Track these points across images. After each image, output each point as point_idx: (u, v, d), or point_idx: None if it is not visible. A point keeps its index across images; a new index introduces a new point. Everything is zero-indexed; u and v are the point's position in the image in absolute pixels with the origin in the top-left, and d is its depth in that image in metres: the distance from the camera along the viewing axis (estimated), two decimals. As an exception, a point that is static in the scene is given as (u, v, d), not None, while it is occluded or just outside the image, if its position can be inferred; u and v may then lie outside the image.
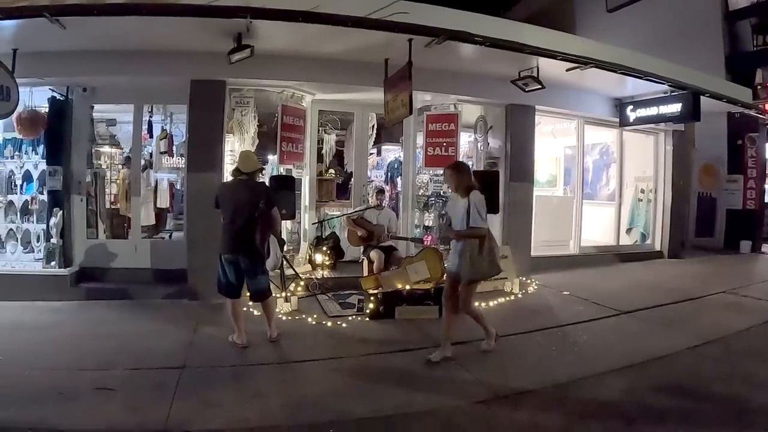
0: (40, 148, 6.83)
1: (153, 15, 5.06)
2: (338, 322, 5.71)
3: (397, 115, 6.45)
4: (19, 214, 6.90)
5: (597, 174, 11.49)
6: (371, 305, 5.86)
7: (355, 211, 7.67)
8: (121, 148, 8.45)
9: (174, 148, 8.39)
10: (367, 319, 5.83)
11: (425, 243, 7.51)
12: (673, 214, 10.43)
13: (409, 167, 8.37)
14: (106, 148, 8.40)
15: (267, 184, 6.30)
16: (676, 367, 4.47)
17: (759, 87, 10.98)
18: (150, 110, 8.01)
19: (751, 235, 11.40)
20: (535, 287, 7.52)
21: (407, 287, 6.16)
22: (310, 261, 7.90)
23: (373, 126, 9.26)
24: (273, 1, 5.16)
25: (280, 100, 7.47)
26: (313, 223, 8.29)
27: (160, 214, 8.75)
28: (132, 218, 7.41)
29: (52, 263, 6.56)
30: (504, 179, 8.17)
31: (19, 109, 6.14)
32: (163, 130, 8.34)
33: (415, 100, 6.82)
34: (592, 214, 10.18)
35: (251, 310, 5.68)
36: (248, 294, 5.04)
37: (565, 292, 7.18)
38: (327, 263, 7.81)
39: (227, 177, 6.32)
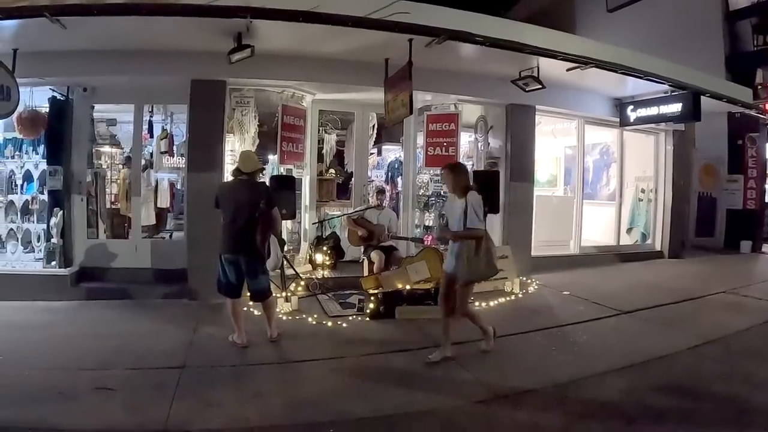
0: (41, 148, 6.82)
1: (153, 15, 5.06)
2: (339, 322, 5.71)
3: (398, 115, 6.45)
4: (19, 213, 6.89)
5: (597, 174, 11.49)
6: (371, 305, 5.86)
7: (356, 211, 7.67)
8: (122, 148, 8.45)
9: (174, 148, 8.39)
10: (368, 319, 5.83)
11: (425, 243, 7.51)
12: (674, 214, 10.42)
13: (409, 167, 8.38)
14: (107, 148, 8.39)
15: (267, 184, 6.30)
16: (676, 367, 4.47)
17: (759, 87, 10.98)
18: (150, 110, 8.00)
19: (752, 235, 11.40)
20: (536, 287, 7.52)
21: (407, 287, 6.17)
22: (311, 261, 7.90)
23: (373, 126, 9.26)
24: (273, 1, 5.16)
25: (281, 99, 7.47)
26: (313, 223, 8.30)
27: (161, 214, 8.75)
28: (132, 218, 7.41)
29: (53, 263, 6.57)
30: (504, 179, 8.18)
31: (20, 108, 6.15)
32: (163, 129, 8.34)
33: (416, 100, 6.82)
34: (593, 214, 10.18)
35: (251, 309, 5.69)
36: (248, 294, 5.04)
37: (565, 292, 7.18)
38: (327, 263, 7.81)
39: (227, 177, 6.33)
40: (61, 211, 6.56)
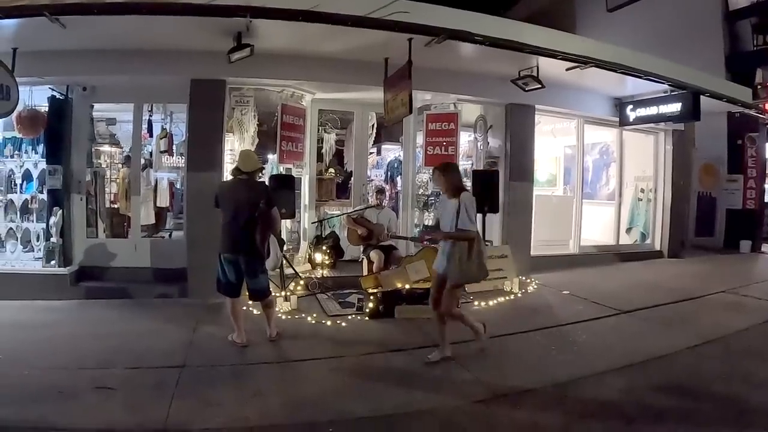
0: (40, 147, 6.83)
1: (153, 14, 5.06)
2: (338, 322, 5.71)
3: (397, 114, 6.45)
4: (18, 213, 6.90)
5: (597, 173, 11.50)
6: (371, 304, 5.86)
7: (355, 210, 7.68)
8: (121, 147, 8.45)
9: (174, 147, 8.38)
10: (367, 318, 5.83)
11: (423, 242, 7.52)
12: (673, 214, 10.43)
13: (408, 166, 8.38)
14: (106, 147, 8.40)
15: (267, 183, 6.30)
16: (675, 366, 4.48)
17: (759, 87, 10.98)
18: (150, 109, 8.01)
19: (751, 235, 11.40)
20: (535, 287, 7.52)
21: (407, 286, 6.18)
22: (310, 260, 7.90)
23: (372, 125, 9.26)
24: (273, 1, 5.17)
25: (280, 99, 7.47)
26: (312, 223, 8.30)
27: (160, 213, 8.76)
28: (132, 217, 7.40)
29: (52, 262, 6.57)
30: (504, 179, 8.19)
31: (19, 108, 6.14)
32: (163, 129, 8.34)
33: (415, 99, 6.82)
34: (592, 214, 10.19)
35: (251, 309, 5.69)
36: (248, 293, 5.04)
37: (564, 292, 7.18)
38: (327, 262, 7.81)
39: (227, 176, 6.33)
40: (61, 211, 6.56)
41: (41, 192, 6.82)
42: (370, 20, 5.43)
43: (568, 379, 4.14)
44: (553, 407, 3.66)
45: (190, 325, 5.44)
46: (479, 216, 7.78)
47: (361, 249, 7.44)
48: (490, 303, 6.53)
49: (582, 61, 7.01)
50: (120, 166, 8.28)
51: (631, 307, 6.29)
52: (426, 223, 8.57)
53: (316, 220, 8.35)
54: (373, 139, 9.64)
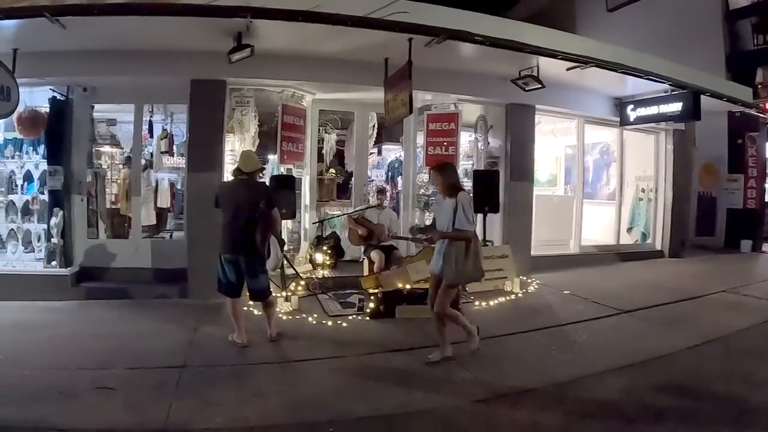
0: (41, 148, 6.83)
1: (153, 15, 5.06)
2: (339, 322, 5.71)
3: (398, 114, 6.45)
4: (19, 214, 6.90)
5: (597, 173, 11.49)
6: (372, 304, 5.86)
7: (356, 211, 7.68)
8: (122, 148, 8.47)
9: (174, 148, 8.39)
10: (368, 318, 5.83)
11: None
12: (674, 214, 10.42)
13: (409, 167, 8.38)
14: (107, 148, 8.41)
15: (267, 183, 6.30)
16: (676, 366, 4.47)
17: (759, 86, 10.99)
18: (150, 110, 8.00)
19: (752, 235, 11.39)
20: (536, 286, 7.52)
21: (408, 286, 6.18)
22: (311, 260, 7.90)
23: (373, 125, 9.26)
24: (273, 1, 5.16)
25: (281, 99, 7.47)
26: (313, 223, 8.30)
27: (161, 213, 8.75)
28: (132, 218, 7.41)
29: (53, 263, 6.57)
30: (504, 179, 8.20)
31: (20, 108, 6.17)
32: (163, 129, 8.34)
33: (416, 99, 6.82)
34: (593, 214, 10.18)
35: (251, 309, 5.69)
36: (248, 293, 5.04)
37: (565, 292, 7.18)
38: (327, 263, 7.82)
39: (228, 177, 6.34)
40: (62, 211, 6.56)
41: (42, 193, 6.82)
42: (370, 20, 5.43)
43: (568, 378, 4.14)
44: (553, 407, 3.66)
45: (191, 325, 5.44)
46: (479, 216, 7.81)
47: (362, 249, 7.44)
48: (491, 303, 6.53)
49: (582, 61, 7.01)
50: (120, 166, 8.30)
51: (631, 306, 6.29)
52: (427, 224, 8.56)
53: (317, 220, 8.35)
54: (373, 139, 9.64)
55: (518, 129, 8.38)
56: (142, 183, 7.60)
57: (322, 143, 9.53)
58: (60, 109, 6.64)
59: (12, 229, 6.87)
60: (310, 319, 5.78)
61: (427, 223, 8.55)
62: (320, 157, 9.29)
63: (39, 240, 6.81)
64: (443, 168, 4.54)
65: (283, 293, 6.19)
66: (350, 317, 5.88)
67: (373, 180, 10.16)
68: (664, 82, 8.14)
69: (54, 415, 3.38)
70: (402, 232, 7.61)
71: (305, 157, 8.03)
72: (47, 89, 6.61)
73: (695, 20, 12.29)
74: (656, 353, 4.69)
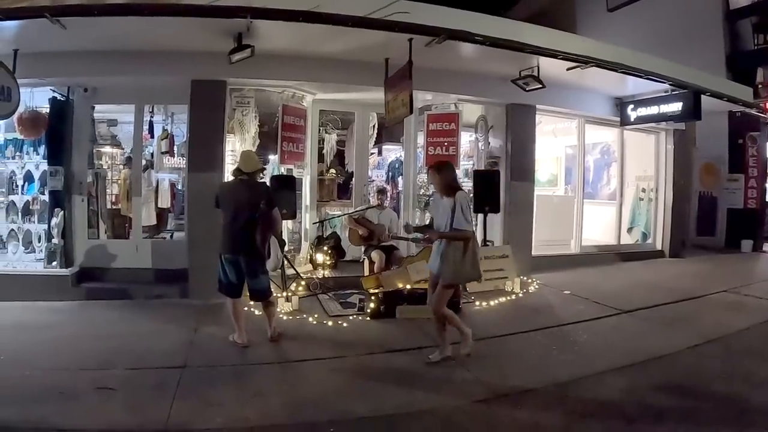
0: (42, 149, 6.83)
1: (154, 15, 5.05)
2: (339, 322, 5.71)
3: (398, 114, 6.45)
4: (20, 214, 6.90)
5: (598, 173, 11.49)
6: (372, 305, 5.86)
7: (356, 211, 7.68)
8: (122, 149, 8.48)
9: (175, 148, 8.39)
10: (368, 318, 5.83)
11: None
12: (674, 214, 10.42)
13: (409, 167, 8.38)
14: (107, 149, 8.43)
15: (268, 184, 6.30)
16: (676, 366, 4.47)
17: (760, 86, 11.00)
18: (151, 110, 8.00)
19: (753, 234, 11.38)
20: (536, 286, 7.52)
21: (408, 287, 6.18)
22: (311, 260, 7.91)
23: (373, 126, 9.27)
24: (273, 1, 5.16)
25: (281, 99, 7.47)
26: (314, 223, 8.31)
27: (161, 214, 8.75)
28: (133, 218, 7.42)
29: (54, 263, 6.57)
30: (505, 179, 8.20)
31: (21, 109, 6.17)
32: (164, 130, 8.34)
33: (416, 99, 6.82)
34: (593, 214, 10.17)
35: (252, 309, 5.69)
36: (248, 293, 5.04)
37: (565, 292, 7.18)
38: (328, 263, 7.82)
39: (228, 177, 6.34)
40: (62, 212, 6.56)
41: (42, 193, 6.82)
42: (370, 21, 5.43)
43: (569, 378, 4.14)
44: (554, 407, 3.66)
45: (191, 325, 5.45)
46: (480, 216, 7.81)
47: (363, 249, 7.44)
48: (491, 303, 6.53)
49: (582, 61, 7.01)
50: (121, 167, 8.30)
51: (632, 306, 6.29)
52: (427, 224, 8.54)
53: (318, 220, 8.36)
54: (374, 139, 9.65)
55: (519, 129, 8.37)
56: (143, 183, 7.60)
57: (323, 143, 9.53)
58: (60, 110, 6.65)
59: (12, 230, 6.87)
60: (310, 319, 5.78)
61: (427, 223, 8.55)
62: (321, 158, 9.29)
63: (39, 240, 6.81)
64: (441, 167, 4.52)
65: (284, 293, 6.18)
66: (351, 317, 5.88)
67: (373, 180, 10.16)
68: (664, 82, 8.13)
69: (55, 415, 3.38)
70: (401, 233, 7.62)
71: (306, 157, 8.04)
72: (48, 90, 6.61)
73: (696, 20, 12.28)
74: (657, 353, 4.69)
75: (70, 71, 6.41)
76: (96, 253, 6.96)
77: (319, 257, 7.80)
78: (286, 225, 7.43)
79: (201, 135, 6.77)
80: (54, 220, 6.52)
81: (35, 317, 5.68)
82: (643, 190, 10.60)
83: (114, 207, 8.03)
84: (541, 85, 7.27)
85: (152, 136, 8.21)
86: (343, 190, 9.57)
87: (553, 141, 10.87)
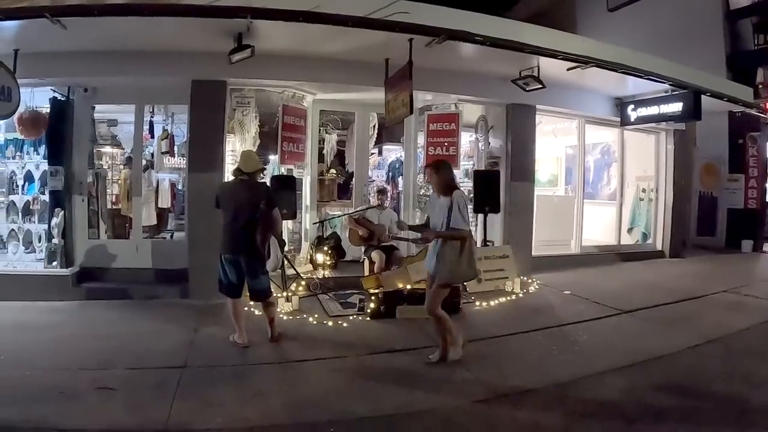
0: (42, 149, 6.83)
1: (154, 15, 5.05)
2: (339, 322, 5.71)
3: (398, 114, 6.45)
4: (20, 214, 6.90)
5: (598, 173, 11.49)
6: (372, 305, 5.86)
7: (357, 211, 7.68)
8: (123, 149, 8.49)
9: (175, 148, 8.40)
10: (368, 318, 5.83)
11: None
12: (675, 214, 10.41)
13: (410, 167, 8.39)
14: (108, 149, 8.44)
15: (268, 184, 6.30)
16: (677, 366, 4.47)
17: (760, 86, 10.99)
18: (151, 110, 8.01)
19: (753, 235, 11.37)
20: (536, 287, 7.52)
21: (408, 287, 6.17)
22: (312, 261, 7.91)
23: (374, 126, 9.27)
24: (273, 1, 5.16)
25: (281, 100, 7.47)
26: (314, 223, 8.31)
27: (162, 214, 8.76)
28: (133, 218, 7.42)
29: (54, 263, 6.57)
30: (505, 179, 8.20)
31: (21, 109, 6.17)
32: (164, 130, 8.35)
33: (416, 99, 6.83)
34: (594, 214, 10.18)
35: (252, 309, 5.69)
36: (248, 294, 5.04)
37: (566, 292, 7.18)
38: (328, 263, 7.82)
39: (228, 177, 6.34)
40: (62, 212, 6.56)
41: (43, 193, 6.82)
42: (370, 21, 5.43)
43: (569, 379, 4.13)
44: (554, 407, 3.66)
45: (191, 325, 5.45)
46: (480, 216, 7.82)
47: (363, 249, 7.44)
48: (492, 303, 6.53)
49: (583, 61, 7.01)
50: (121, 167, 8.32)
51: (632, 307, 6.28)
52: (401, 218, 8.40)
53: (318, 220, 8.36)
54: (374, 139, 9.65)
55: (519, 129, 8.37)
56: (143, 183, 7.60)
57: (323, 143, 9.53)
58: (61, 110, 6.65)
59: (13, 230, 6.87)
60: (310, 319, 5.78)
61: (422, 221, 8.54)
62: (321, 158, 9.29)
63: (40, 240, 6.81)
64: (439, 166, 4.48)
65: (284, 293, 6.19)
66: (351, 317, 5.88)
67: (373, 180, 10.16)
68: (664, 82, 8.13)
69: (55, 415, 3.38)
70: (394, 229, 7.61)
71: (306, 157, 8.04)
72: (48, 90, 6.61)
73: (696, 20, 12.27)
74: (657, 353, 4.69)
75: (71, 71, 6.42)
76: (96, 253, 6.96)
77: (320, 257, 7.80)
78: (287, 225, 7.43)
79: (201, 135, 6.77)
80: (54, 220, 6.52)
81: (35, 317, 5.67)
82: (644, 191, 10.60)
83: (114, 207, 8.04)
84: (541, 86, 7.27)
85: (152, 136, 8.22)
86: (344, 191, 9.57)
87: (554, 141, 10.87)
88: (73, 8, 4.95)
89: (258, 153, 6.56)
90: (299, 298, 6.29)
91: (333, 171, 9.59)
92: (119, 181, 8.17)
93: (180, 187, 8.90)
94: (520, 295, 7.04)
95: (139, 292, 6.56)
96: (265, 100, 7.54)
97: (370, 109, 8.78)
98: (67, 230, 6.68)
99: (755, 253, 11.08)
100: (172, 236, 8.49)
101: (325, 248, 7.90)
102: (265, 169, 6.49)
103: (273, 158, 7.95)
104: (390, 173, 10.81)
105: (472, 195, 7.93)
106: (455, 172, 8.33)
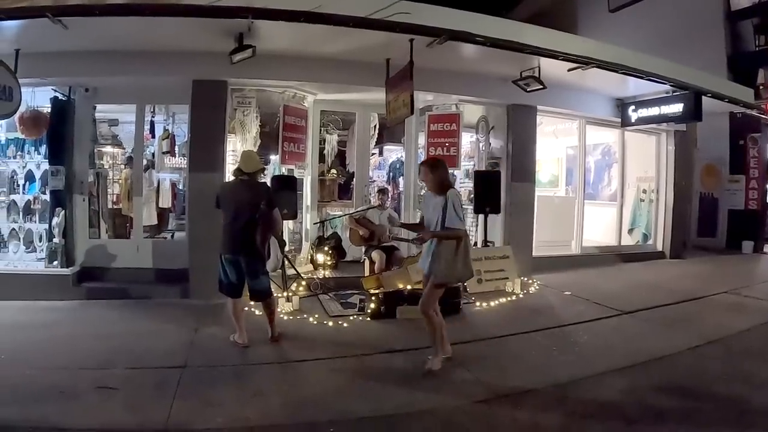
0: (43, 148, 6.84)
1: (155, 15, 5.06)
2: (339, 322, 5.71)
3: (399, 115, 6.46)
4: (21, 213, 6.91)
5: (599, 174, 11.48)
6: (372, 305, 5.86)
7: (357, 211, 7.68)
8: (124, 148, 8.50)
9: (176, 148, 8.41)
10: (369, 318, 5.83)
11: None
12: (675, 215, 10.41)
13: (410, 167, 8.37)
14: (109, 148, 8.44)
15: (269, 184, 6.30)
16: (677, 367, 4.47)
17: (761, 87, 10.98)
18: (152, 110, 8.03)
19: (753, 236, 11.37)
20: (537, 287, 7.51)
21: (409, 287, 6.17)
22: (312, 261, 7.91)
23: (375, 126, 9.27)
24: (275, 2, 5.17)
25: (282, 100, 7.47)
26: (314, 223, 8.31)
27: (162, 214, 8.76)
28: (134, 218, 7.44)
29: (54, 263, 6.58)
30: (506, 179, 8.21)
31: (22, 109, 6.18)
32: (165, 130, 8.36)
33: (417, 100, 6.83)
34: (594, 215, 10.17)
35: (252, 309, 5.70)
36: (249, 294, 5.04)
37: (566, 292, 7.17)
38: (329, 263, 7.83)
39: (229, 177, 6.34)
40: (63, 211, 6.57)
41: (44, 193, 6.83)
42: (371, 21, 5.43)
43: (569, 379, 4.13)
44: (554, 408, 3.66)
45: (192, 325, 5.45)
46: (481, 216, 7.81)
47: (363, 250, 7.44)
48: (492, 303, 6.53)
49: (583, 62, 7.01)
50: (122, 166, 8.32)
51: (632, 307, 6.28)
52: (392, 215, 8.31)
53: (318, 220, 8.36)
54: (375, 139, 9.65)
55: (520, 130, 8.37)
56: (144, 183, 7.60)
57: (324, 144, 9.54)
58: (62, 110, 6.65)
59: (14, 229, 6.88)
60: (311, 319, 5.78)
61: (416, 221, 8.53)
62: (322, 158, 9.30)
63: (40, 240, 6.83)
64: (434, 164, 4.42)
65: (284, 293, 6.19)
66: (351, 318, 5.88)
67: (374, 180, 10.15)
68: (665, 83, 8.12)
69: (55, 414, 3.38)
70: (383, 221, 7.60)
71: (306, 157, 8.03)
72: (49, 89, 6.62)
73: (697, 21, 12.27)
74: (657, 354, 4.68)
75: (72, 71, 6.42)
76: (97, 253, 6.96)
77: (320, 257, 7.80)
78: (287, 225, 7.43)
79: (202, 135, 6.78)
80: (55, 220, 6.53)
81: (36, 316, 5.68)
82: (644, 191, 10.59)
83: (115, 207, 8.05)
84: (542, 86, 7.27)
85: (153, 136, 8.24)
86: (344, 191, 9.58)
87: (554, 142, 10.87)
88: (74, 8, 4.96)
89: (259, 153, 6.56)
90: (299, 298, 6.29)
91: (334, 171, 9.59)
92: (120, 181, 8.18)
93: (181, 187, 8.91)
94: (521, 295, 7.04)
95: (140, 292, 6.57)
96: (266, 100, 7.55)
97: (371, 110, 8.78)
98: (68, 230, 6.68)
99: (756, 254, 11.07)
100: (172, 236, 8.49)
101: (326, 248, 7.90)
102: (265, 169, 6.49)
103: (274, 158, 7.95)
104: (391, 173, 10.81)
105: (472, 195, 7.95)
106: (456, 172, 8.46)
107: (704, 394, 3.90)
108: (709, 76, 8.89)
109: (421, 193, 8.48)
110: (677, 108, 8.51)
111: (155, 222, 8.41)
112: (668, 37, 11.95)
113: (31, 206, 6.92)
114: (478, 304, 6.50)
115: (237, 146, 7.29)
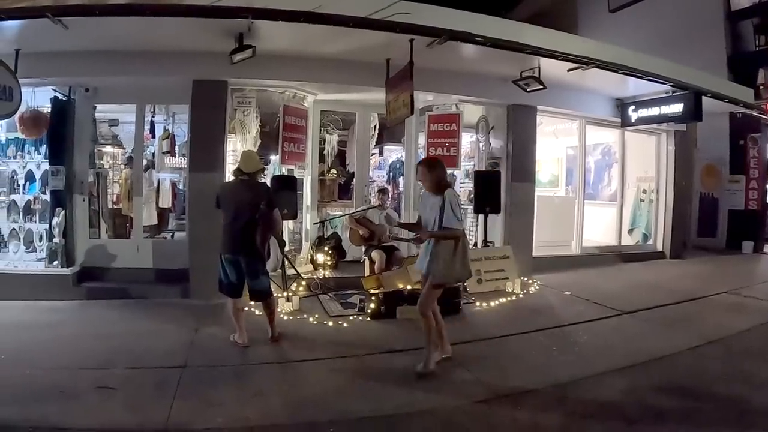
0: (43, 148, 6.84)
1: (155, 15, 5.06)
2: (339, 322, 5.71)
3: (399, 115, 6.46)
4: (21, 213, 6.91)
5: (599, 174, 11.47)
6: (372, 305, 5.86)
7: (357, 211, 7.68)
8: (124, 148, 8.50)
9: (176, 148, 8.41)
10: (369, 318, 5.82)
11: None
12: (675, 215, 10.40)
13: (410, 167, 8.37)
14: (109, 148, 8.45)
15: (269, 184, 6.31)
16: (677, 367, 4.47)
17: (761, 87, 10.98)
18: (152, 110, 8.03)
19: (754, 236, 11.36)
20: (537, 287, 7.51)
21: (408, 287, 6.17)
22: (312, 261, 7.91)
23: (375, 126, 9.28)
24: (275, 2, 5.17)
25: (282, 100, 7.48)
26: (314, 223, 8.31)
27: (162, 214, 8.77)
28: (134, 218, 7.44)
29: (55, 263, 6.58)
30: (506, 179, 8.21)
31: (22, 109, 6.18)
32: (165, 130, 8.36)
33: (417, 100, 6.83)
34: (594, 215, 10.17)
35: (253, 309, 5.70)
36: (249, 294, 5.04)
37: (566, 293, 7.17)
38: (329, 263, 7.83)
39: (229, 177, 6.34)
40: (63, 211, 6.57)
41: (44, 193, 6.83)
42: (371, 21, 5.43)
43: (569, 379, 4.13)
44: (554, 408, 3.66)
45: (192, 325, 5.44)
46: (481, 216, 7.81)
47: (363, 250, 7.44)
48: (492, 304, 6.53)
49: (583, 62, 7.01)
50: (122, 167, 8.33)
51: (632, 307, 6.28)
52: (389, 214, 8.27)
53: (318, 220, 8.36)
54: (375, 139, 9.66)
55: (520, 130, 8.37)
56: (144, 183, 7.60)
57: (324, 144, 9.54)
58: (62, 110, 6.66)
59: (14, 229, 6.88)
60: (311, 319, 5.78)
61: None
62: (322, 158, 9.30)
63: (41, 240, 6.83)
64: (432, 164, 4.39)
65: (284, 293, 6.19)
66: (351, 318, 5.88)
67: (374, 180, 10.16)
68: (665, 83, 8.12)
69: (55, 414, 3.38)
70: (402, 233, 7.62)
71: (307, 157, 8.03)
72: (49, 89, 6.62)
73: (697, 21, 12.28)
74: (657, 354, 4.68)
75: (72, 71, 6.42)
76: (97, 253, 6.96)
77: (320, 257, 7.80)
78: (287, 225, 7.43)
79: (202, 135, 6.78)
80: (55, 220, 6.53)
81: (36, 316, 5.68)
82: (644, 191, 10.59)
83: (115, 207, 8.06)
84: (542, 86, 7.27)
85: (153, 136, 8.24)
86: (344, 191, 9.58)
87: (554, 142, 10.87)
88: (74, 8, 4.96)
89: (259, 153, 6.57)
90: (300, 298, 6.29)
91: (334, 171, 9.59)
92: (120, 181, 8.18)
93: (181, 187, 8.91)
94: (521, 295, 7.04)
95: (140, 292, 6.56)
96: (266, 101, 7.55)
97: (371, 110, 8.78)
98: (68, 230, 6.68)
99: (756, 255, 11.06)
100: (172, 236, 8.50)
101: (326, 248, 7.90)
102: (265, 169, 6.50)
103: (274, 158, 7.96)
104: (391, 173, 10.82)
105: (472, 195, 7.94)
106: (456, 172, 8.46)
107: (704, 394, 3.89)
108: (709, 76, 8.89)
109: (421, 193, 8.51)
110: (677, 108, 8.51)
111: (155, 222, 8.42)
112: (668, 37, 11.96)
113: (32, 206, 6.92)
114: (478, 304, 6.51)
115: (237, 146, 7.30)
